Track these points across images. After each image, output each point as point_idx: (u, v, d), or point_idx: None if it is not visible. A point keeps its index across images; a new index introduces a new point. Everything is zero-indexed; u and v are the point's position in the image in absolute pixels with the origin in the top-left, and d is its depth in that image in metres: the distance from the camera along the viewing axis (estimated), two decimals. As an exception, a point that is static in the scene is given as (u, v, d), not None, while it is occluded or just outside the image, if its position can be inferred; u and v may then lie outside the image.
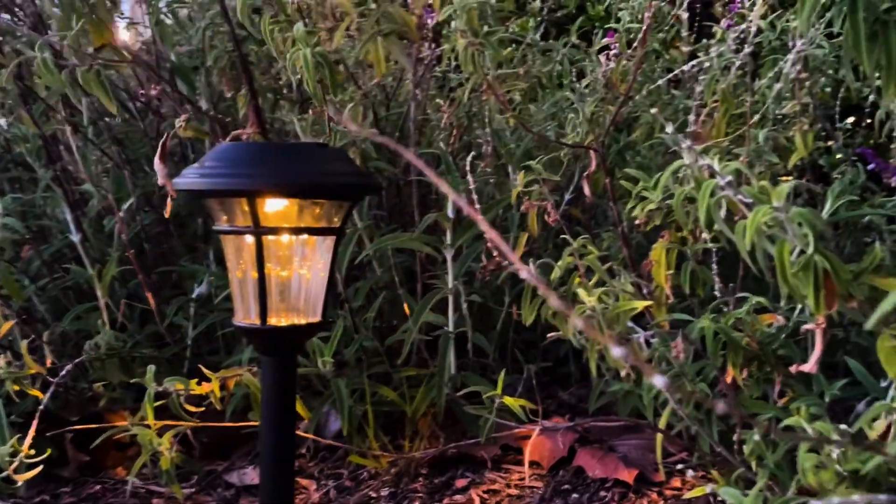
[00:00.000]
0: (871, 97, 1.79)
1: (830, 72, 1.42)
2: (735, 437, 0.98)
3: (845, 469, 0.74)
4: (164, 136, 0.96)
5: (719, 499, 1.17)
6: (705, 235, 1.15)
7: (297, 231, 0.85)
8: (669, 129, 0.76)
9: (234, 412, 1.34)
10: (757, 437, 0.94)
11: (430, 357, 1.52)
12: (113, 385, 1.42)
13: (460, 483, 1.28)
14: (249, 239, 0.84)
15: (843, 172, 1.44)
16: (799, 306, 1.05)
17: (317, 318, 0.89)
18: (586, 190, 1.28)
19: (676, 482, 1.23)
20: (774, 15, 1.42)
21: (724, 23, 1.60)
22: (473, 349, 1.47)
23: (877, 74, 0.81)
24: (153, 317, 1.56)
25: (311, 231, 0.85)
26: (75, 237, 1.53)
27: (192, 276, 1.55)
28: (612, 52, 1.39)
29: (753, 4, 1.32)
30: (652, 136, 1.44)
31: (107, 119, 1.62)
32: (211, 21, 1.35)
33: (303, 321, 0.87)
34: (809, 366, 0.79)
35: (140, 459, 1.20)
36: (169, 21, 1.53)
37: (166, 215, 0.98)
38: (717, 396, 1.13)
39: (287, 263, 0.85)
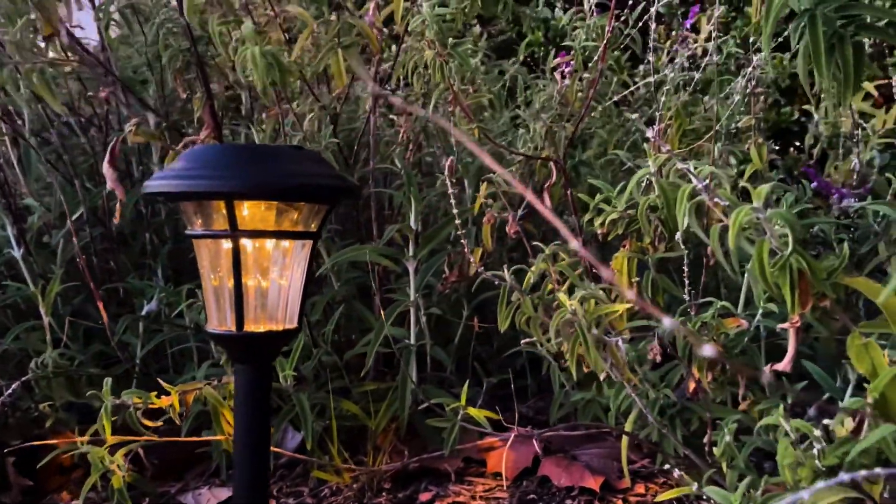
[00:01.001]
0: (804, 119, 1.87)
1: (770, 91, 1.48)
2: (705, 440, 0.99)
3: (824, 465, 0.76)
4: (114, 141, 0.93)
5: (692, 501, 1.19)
6: (664, 244, 1.18)
7: (275, 235, 0.83)
8: (650, 133, 0.78)
9: (189, 430, 1.30)
10: (728, 439, 0.96)
11: (387, 370, 1.51)
12: (57, 405, 1.36)
13: (425, 497, 1.27)
14: (226, 243, 0.82)
15: (785, 190, 1.50)
16: (760, 311, 1.08)
17: (293, 325, 0.87)
18: (546, 202, 1.29)
19: (640, 488, 1.24)
20: (722, 38, 1.48)
21: (674, 45, 1.66)
22: (431, 362, 1.47)
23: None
24: (98, 335, 1.51)
25: (290, 235, 0.84)
26: (17, 253, 1.47)
27: (141, 292, 1.51)
28: (566, 70, 1.41)
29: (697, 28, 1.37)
30: (606, 152, 1.47)
31: (49, 132, 1.57)
32: (166, 17, 1.32)
33: (279, 328, 0.85)
34: (783, 364, 0.81)
35: (90, 480, 1.16)
36: (116, 19, 1.49)
37: (115, 221, 0.95)
38: (683, 400, 1.15)
39: (264, 268, 0.83)
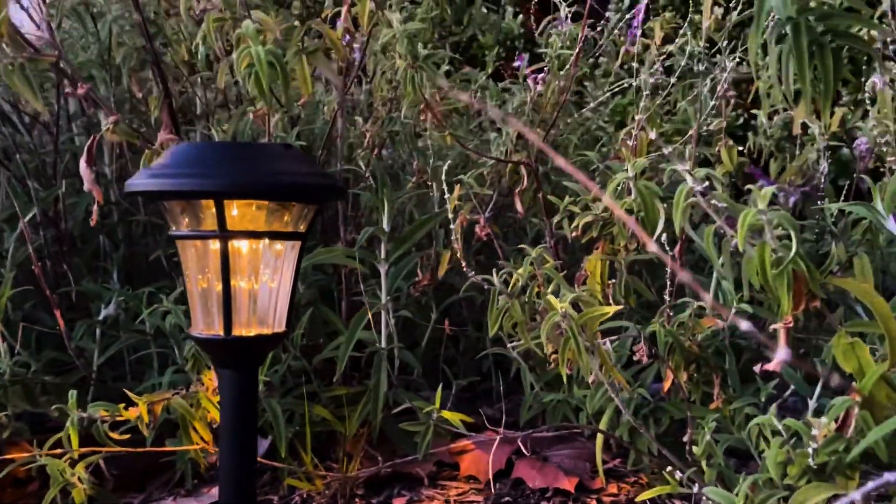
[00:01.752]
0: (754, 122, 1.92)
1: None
2: (686, 438, 1.01)
3: (816, 463, 0.78)
4: (91, 140, 0.90)
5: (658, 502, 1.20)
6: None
7: (265, 236, 0.81)
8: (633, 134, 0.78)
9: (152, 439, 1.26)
10: (708, 437, 0.97)
11: (354, 375, 1.49)
12: (11, 415, 1.30)
13: (398, 502, 1.25)
14: (214, 244, 0.79)
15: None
16: (733, 310, 1.10)
17: (282, 329, 0.85)
18: (518, 206, 1.29)
19: (613, 488, 1.25)
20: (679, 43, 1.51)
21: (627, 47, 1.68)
22: (398, 366, 1.45)
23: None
24: (51, 341, 1.45)
25: (280, 236, 0.82)
26: (-37, 256, 1.40)
27: (97, 296, 1.46)
28: (539, 77, 1.42)
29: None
30: (575, 157, 1.48)
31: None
32: (120, 14, 1.28)
33: (268, 331, 0.83)
34: (774, 364, 0.82)
35: (49, 493, 1.11)
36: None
37: (93, 223, 0.91)
38: (656, 400, 1.17)
39: (254, 270, 0.81)
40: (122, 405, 1.03)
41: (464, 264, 1.15)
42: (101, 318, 1.42)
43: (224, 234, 0.78)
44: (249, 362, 0.83)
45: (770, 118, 1.76)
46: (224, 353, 0.82)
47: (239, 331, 0.81)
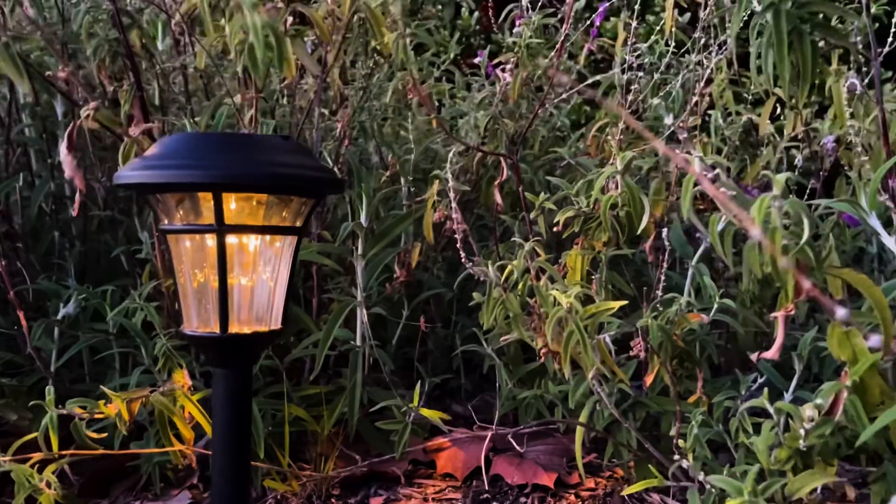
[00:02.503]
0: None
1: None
2: (673, 432, 1.02)
3: (806, 446, 0.80)
4: (71, 126, 0.86)
5: (633, 496, 1.22)
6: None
7: (263, 230, 0.78)
8: (668, 118, 0.79)
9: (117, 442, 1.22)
10: (696, 431, 0.99)
11: (323, 374, 1.47)
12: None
13: (376, 501, 1.24)
14: (211, 239, 0.77)
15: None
16: (716, 306, 1.11)
17: (278, 326, 0.83)
18: (497, 199, 1.29)
19: (590, 483, 1.26)
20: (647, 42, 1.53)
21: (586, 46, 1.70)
22: (369, 364, 1.43)
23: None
24: (3, 343, 1.39)
25: (279, 231, 0.79)
26: (-89, 253, 1.33)
27: (55, 294, 1.40)
28: (507, 68, 1.41)
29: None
30: (546, 150, 1.49)
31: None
32: (93, 4, 1.22)
33: (265, 329, 0.81)
34: (772, 353, 0.84)
35: (17, 500, 1.06)
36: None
37: (74, 213, 0.87)
38: (637, 394, 1.18)
39: (251, 266, 0.79)
40: (102, 402, 0.98)
41: (415, 260, 1.14)
42: (59, 317, 1.36)
43: (222, 228, 0.75)
44: (245, 361, 0.81)
45: (724, 119, 1.80)
46: (219, 352, 0.79)
47: (235, 328, 0.78)
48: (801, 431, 0.78)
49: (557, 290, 0.90)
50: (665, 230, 1.06)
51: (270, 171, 0.75)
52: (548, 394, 1.32)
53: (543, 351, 0.98)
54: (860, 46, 1.10)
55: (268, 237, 0.79)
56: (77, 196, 0.86)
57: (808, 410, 0.77)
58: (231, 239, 0.77)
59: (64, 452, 1.09)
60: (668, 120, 1.25)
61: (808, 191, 1.48)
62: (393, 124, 1.66)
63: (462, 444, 1.32)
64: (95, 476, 1.27)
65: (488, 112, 1.43)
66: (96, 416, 1.06)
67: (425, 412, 1.22)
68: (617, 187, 1.08)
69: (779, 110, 1.66)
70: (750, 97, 1.70)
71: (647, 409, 1.19)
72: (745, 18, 0.95)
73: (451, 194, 1.26)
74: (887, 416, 0.71)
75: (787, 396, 1.10)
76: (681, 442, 1.01)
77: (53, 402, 0.98)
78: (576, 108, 2.16)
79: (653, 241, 1.25)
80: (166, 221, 0.79)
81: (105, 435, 1.12)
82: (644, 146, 1.33)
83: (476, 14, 2.66)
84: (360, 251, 1.25)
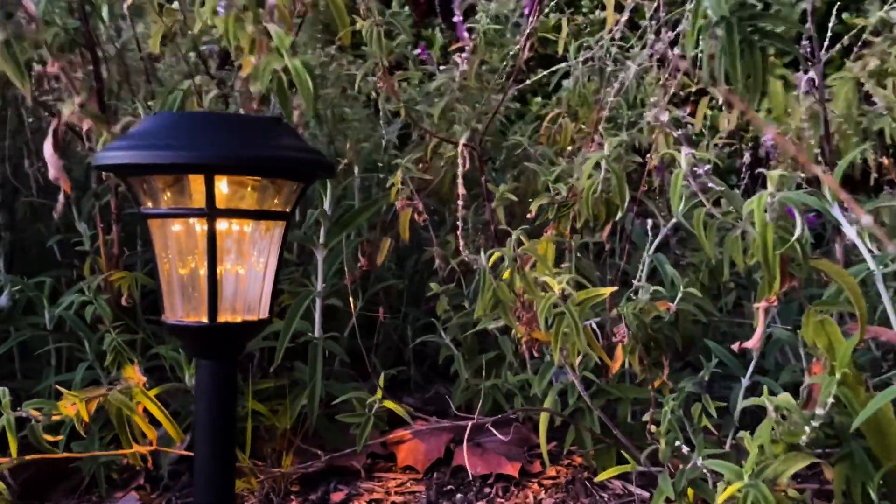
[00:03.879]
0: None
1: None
2: (647, 417, 1.03)
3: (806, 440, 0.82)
4: (55, 122, 0.80)
5: (594, 483, 1.23)
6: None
7: (255, 215, 0.75)
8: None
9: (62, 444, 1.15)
10: (670, 416, 1.00)
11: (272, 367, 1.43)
12: None
13: (337, 496, 1.21)
14: (199, 224, 0.73)
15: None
16: (680, 295, 1.14)
17: (266, 315, 0.79)
18: (460, 188, 1.28)
19: (552, 471, 1.26)
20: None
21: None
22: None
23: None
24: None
25: (269, 216, 0.76)
26: None
27: (-17, 286, 1.31)
28: (463, 56, 1.41)
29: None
30: (506, 138, 1.49)
31: None
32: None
33: (254, 318, 0.77)
34: (752, 342, 0.86)
35: (-45, 508, 0.99)
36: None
37: (56, 215, 0.81)
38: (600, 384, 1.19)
39: (242, 252, 0.75)
40: (60, 402, 0.92)
41: (383, 255, 1.13)
42: (-10, 310, 1.27)
43: (213, 212, 0.72)
44: (232, 351, 0.77)
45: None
46: (208, 342, 0.75)
47: (225, 317, 0.75)
48: (807, 429, 0.80)
49: (548, 276, 0.89)
50: (637, 220, 1.07)
51: (267, 154, 0.72)
52: (508, 384, 1.32)
53: (526, 340, 0.98)
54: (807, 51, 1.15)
55: (260, 223, 0.76)
56: (61, 198, 0.80)
57: (819, 409, 0.79)
58: (222, 224, 0.73)
59: (2, 460, 1.03)
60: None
61: (735, 187, 1.53)
62: (336, 112, 1.63)
63: (422, 436, 1.31)
64: (34, 479, 1.20)
65: (443, 100, 1.42)
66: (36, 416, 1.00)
67: (389, 405, 1.20)
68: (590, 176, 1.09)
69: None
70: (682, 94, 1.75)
71: (608, 396, 1.20)
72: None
73: (410, 185, 1.24)
74: (878, 400, 0.74)
75: (745, 381, 1.14)
76: (653, 427, 1.03)
77: (9, 404, 0.91)
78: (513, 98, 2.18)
79: (609, 230, 1.27)
80: (150, 205, 0.75)
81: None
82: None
83: (406, 8, 2.64)
84: (321, 240, 1.22)
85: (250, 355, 1.39)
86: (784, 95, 1.50)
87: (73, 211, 1.39)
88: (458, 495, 1.21)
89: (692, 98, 1.77)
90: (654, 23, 1.36)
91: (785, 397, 0.81)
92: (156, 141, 0.70)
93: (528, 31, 1.21)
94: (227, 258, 0.74)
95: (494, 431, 1.26)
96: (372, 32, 1.01)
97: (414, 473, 1.27)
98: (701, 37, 0.98)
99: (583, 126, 1.33)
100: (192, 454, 1.07)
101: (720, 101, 1.66)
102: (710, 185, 0.81)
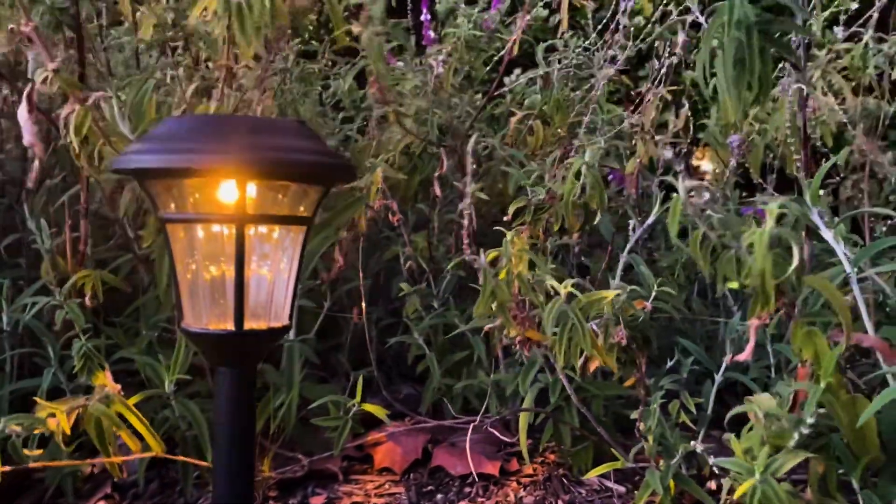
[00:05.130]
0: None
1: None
2: (636, 415, 1.06)
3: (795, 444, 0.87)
4: (30, 87, 0.76)
5: (570, 479, 1.26)
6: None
7: (282, 220, 0.74)
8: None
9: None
10: (658, 414, 1.04)
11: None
12: None
13: (317, 501, 1.20)
14: (226, 229, 0.71)
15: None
16: (654, 294, 1.17)
17: (287, 322, 0.78)
18: (437, 189, 1.28)
19: (528, 469, 1.28)
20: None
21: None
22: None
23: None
24: None
25: (294, 220, 0.75)
26: None
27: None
28: (440, 59, 1.41)
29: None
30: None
31: None
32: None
33: (279, 324, 0.76)
34: (745, 354, 0.90)
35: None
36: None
37: (31, 185, 0.78)
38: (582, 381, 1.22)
39: (268, 258, 0.73)
40: (45, 415, 0.88)
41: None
42: (-58, 314, 1.20)
43: (243, 217, 0.70)
44: (255, 358, 0.76)
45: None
46: (232, 350, 0.73)
47: (251, 324, 0.73)
48: (796, 435, 0.84)
49: (551, 278, 0.91)
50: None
51: (298, 158, 0.70)
52: (482, 383, 1.33)
53: (518, 339, 0.99)
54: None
55: (286, 227, 0.74)
56: (35, 165, 0.76)
57: (809, 419, 0.83)
58: (250, 229, 0.71)
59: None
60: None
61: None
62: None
63: (398, 437, 1.31)
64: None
65: (417, 101, 1.42)
66: None
67: (369, 407, 1.20)
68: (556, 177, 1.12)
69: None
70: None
71: (585, 393, 1.23)
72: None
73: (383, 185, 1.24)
74: (878, 402, 0.79)
75: (718, 378, 1.19)
76: (641, 425, 1.06)
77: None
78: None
79: (580, 235, 1.30)
80: (173, 209, 0.72)
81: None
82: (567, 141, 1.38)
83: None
84: (300, 242, 1.19)
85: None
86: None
87: (24, 208, 1.32)
88: (439, 495, 1.22)
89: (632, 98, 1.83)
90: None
91: (770, 403, 0.85)
92: (184, 144, 0.68)
93: (520, 26, 1.22)
94: (254, 264, 0.72)
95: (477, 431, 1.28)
96: (372, 41, 1.00)
97: (391, 475, 1.27)
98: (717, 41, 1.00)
99: (559, 131, 1.36)
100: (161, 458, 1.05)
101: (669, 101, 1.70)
102: (708, 211, 0.84)
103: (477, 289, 1.52)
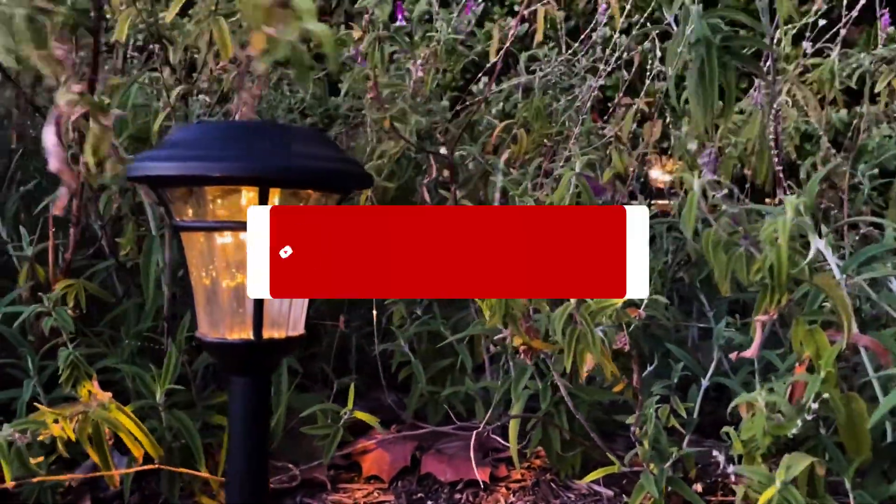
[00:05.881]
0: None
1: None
2: (632, 419, 1.08)
3: (795, 434, 0.89)
4: (57, 110, 0.74)
5: (559, 484, 1.27)
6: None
7: (302, 228, 0.73)
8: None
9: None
10: (655, 420, 1.06)
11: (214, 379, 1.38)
12: None
13: (307, 510, 1.18)
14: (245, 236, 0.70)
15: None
16: (645, 301, 1.19)
17: (303, 331, 0.77)
18: (425, 197, 1.28)
19: (517, 475, 1.29)
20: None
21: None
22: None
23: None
24: None
25: (314, 228, 0.74)
26: None
27: None
28: (418, 63, 1.41)
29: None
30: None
31: None
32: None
33: (296, 334, 0.75)
34: (751, 352, 0.92)
35: None
36: None
37: (58, 212, 0.75)
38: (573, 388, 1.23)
39: (287, 265, 0.72)
40: (52, 420, 0.85)
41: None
42: (-87, 324, 1.15)
43: (264, 225, 0.69)
44: (272, 368, 0.75)
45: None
46: (250, 360, 0.72)
47: (270, 334, 0.72)
48: (799, 422, 0.86)
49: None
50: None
51: (321, 165, 0.70)
52: (470, 390, 1.34)
53: (524, 348, 1.00)
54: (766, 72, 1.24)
55: (305, 235, 0.74)
56: (63, 191, 0.74)
57: (813, 404, 0.86)
58: (271, 236, 0.70)
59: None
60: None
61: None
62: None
63: (385, 445, 1.30)
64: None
65: (394, 107, 1.41)
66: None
67: (360, 415, 1.19)
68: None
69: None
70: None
71: (576, 399, 1.24)
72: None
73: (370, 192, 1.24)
74: (888, 402, 0.81)
75: (704, 383, 1.22)
76: (637, 431, 1.07)
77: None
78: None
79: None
80: (190, 217, 0.71)
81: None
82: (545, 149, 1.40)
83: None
84: (290, 249, 1.18)
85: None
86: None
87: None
88: (429, 502, 1.21)
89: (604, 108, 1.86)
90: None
91: (770, 396, 0.88)
92: (205, 151, 0.67)
93: (510, 34, 1.23)
94: (274, 272, 0.71)
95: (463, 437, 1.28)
96: (374, 46, 1.00)
97: (380, 483, 1.27)
98: (681, 55, 1.04)
99: (546, 140, 1.37)
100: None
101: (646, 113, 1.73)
102: (724, 207, 0.86)
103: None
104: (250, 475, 0.74)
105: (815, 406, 0.85)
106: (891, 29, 1.77)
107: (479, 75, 1.39)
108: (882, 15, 1.73)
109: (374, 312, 1.33)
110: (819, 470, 0.92)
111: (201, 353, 1.25)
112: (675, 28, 1.15)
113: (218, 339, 0.72)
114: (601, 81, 1.37)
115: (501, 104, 1.52)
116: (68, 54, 0.70)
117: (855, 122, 1.70)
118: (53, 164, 0.71)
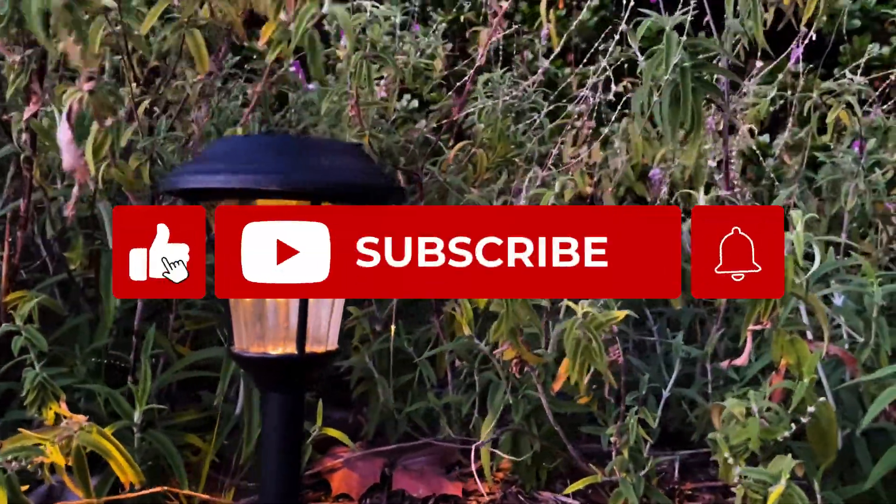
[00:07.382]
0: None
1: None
2: (613, 428, 1.11)
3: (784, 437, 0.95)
4: (70, 105, 0.71)
5: (525, 496, 1.29)
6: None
7: (343, 241, 0.72)
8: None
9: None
10: (637, 430, 1.10)
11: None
12: None
13: (280, 531, 1.15)
14: (293, 249, 0.69)
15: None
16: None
17: (337, 345, 0.76)
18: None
19: (486, 488, 1.30)
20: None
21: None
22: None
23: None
24: None
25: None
26: None
27: None
28: (383, 82, 1.42)
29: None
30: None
31: None
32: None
33: (333, 348, 0.74)
34: (741, 360, 0.97)
35: None
36: None
37: (70, 214, 0.72)
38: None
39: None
40: (45, 443, 0.80)
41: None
42: None
43: (312, 238, 0.68)
44: (309, 383, 0.73)
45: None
46: (290, 375, 0.71)
47: (311, 348, 0.71)
48: (793, 426, 0.92)
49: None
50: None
51: (366, 181, 0.70)
52: (434, 405, 1.34)
53: (516, 361, 1.02)
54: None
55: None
56: (75, 191, 0.70)
57: (810, 407, 0.91)
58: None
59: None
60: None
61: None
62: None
63: (353, 463, 1.29)
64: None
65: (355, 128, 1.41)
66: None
67: (331, 432, 1.17)
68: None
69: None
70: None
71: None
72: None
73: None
74: (882, 400, 0.88)
75: (665, 393, 1.27)
76: (612, 439, 1.11)
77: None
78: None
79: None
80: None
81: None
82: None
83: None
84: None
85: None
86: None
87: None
88: (402, 519, 1.21)
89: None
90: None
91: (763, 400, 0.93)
92: (251, 165, 0.65)
93: (487, 47, 1.25)
94: (318, 286, 0.70)
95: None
96: (360, 65, 0.99)
97: (348, 501, 1.25)
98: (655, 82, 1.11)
99: (514, 163, 1.40)
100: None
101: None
102: None
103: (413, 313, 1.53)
104: (283, 492, 0.72)
105: (811, 409, 0.91)
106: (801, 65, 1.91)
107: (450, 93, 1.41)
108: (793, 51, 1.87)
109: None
110: (799, 471, 0.98)
111: (165, 371, 1.21)
112: (639, 57, 1.22)
113: (259, 355, 0.70)
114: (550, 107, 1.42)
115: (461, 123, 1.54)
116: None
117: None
118: (67, 162, 0.68)
